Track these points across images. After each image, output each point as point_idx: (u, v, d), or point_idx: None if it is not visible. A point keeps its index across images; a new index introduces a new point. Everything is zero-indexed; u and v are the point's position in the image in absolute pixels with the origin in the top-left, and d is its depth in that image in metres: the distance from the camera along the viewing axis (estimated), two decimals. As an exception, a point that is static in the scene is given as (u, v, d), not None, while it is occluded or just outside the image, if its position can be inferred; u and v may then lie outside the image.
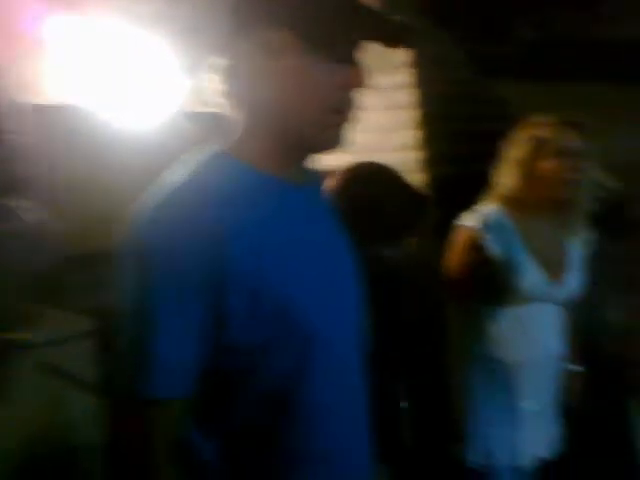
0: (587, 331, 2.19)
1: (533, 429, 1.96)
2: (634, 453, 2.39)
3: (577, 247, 2.03)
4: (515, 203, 1.94)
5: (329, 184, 1.49)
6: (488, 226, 1.91)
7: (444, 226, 2.00)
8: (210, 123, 1.05)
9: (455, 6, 3.15)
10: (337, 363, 1.04)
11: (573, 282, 1.99)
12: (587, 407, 2.11)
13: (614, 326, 2.43)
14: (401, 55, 2.86)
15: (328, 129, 0.99)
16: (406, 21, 1.00)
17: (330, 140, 1.01)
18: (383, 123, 2.94)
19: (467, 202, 2.01)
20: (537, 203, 1.94)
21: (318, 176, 1.17)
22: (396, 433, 1.90)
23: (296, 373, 0.98)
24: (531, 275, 1.91)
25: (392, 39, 1.01)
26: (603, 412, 2.35)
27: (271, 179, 1.01)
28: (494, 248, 1.89)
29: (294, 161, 1.05)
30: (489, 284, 1.92)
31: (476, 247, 1.91)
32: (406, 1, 2.67)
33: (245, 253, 0.92)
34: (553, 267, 1.96)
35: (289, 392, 0.98)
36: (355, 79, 0.98)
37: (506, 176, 1.95)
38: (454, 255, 1.96)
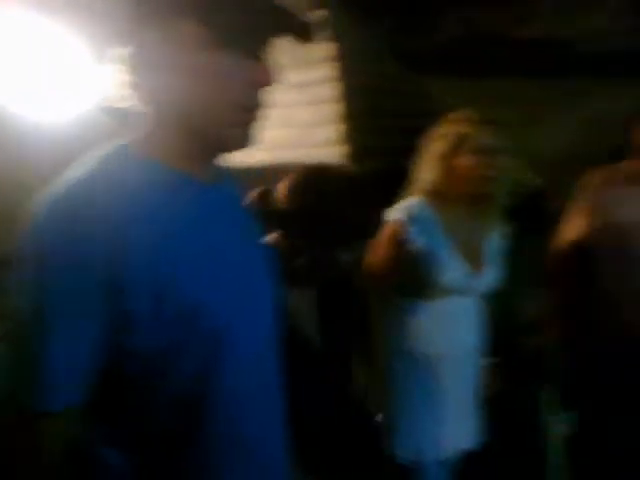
0: (504, 323, 2.24)
1: (455, 422, 1.99)
2: (543, 441, 2.47)
3: (495, 240, 2.08)
4: (436, 197, 1.96)
5: (281, 189, 1.48)
6: (412, 219, 1.92)
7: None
8: (127, 117, 1.00)
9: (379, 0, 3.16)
10: (249, 365, 1.03)
11: (492, 275, 2.04)
12: (503, 398, 2.16)
13: (530, 317, 2.50)
14: (323, 49, 2.85)
15: (237, 127, 0.97)
16: (316, 17, 0.99)
17: (239, 138, 0.98)
18: (306, 118, 2.93)
19: (391, 196, 2.01)
20: (457, 197, 1.97)
21: (230, 174, 1.15)
22: (372, 441, 1.91)
23: (205, 377, 0.96)
24: (453, 268, 1.94)
25: (300, 35, 0.99)
26: (518, 402, 2.42)
27: (178, 176, 0.97)
28: (418, 241, 1.91)
29: (204, 159, 1.02)
30: (412, 277, 1.94)
31: (400, 240, 1.92)
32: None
33: (149, 254, 0.88)
34: (473, 260, 2.00)
35: (199, 396, 0.96)
36: (264, 76, 0.96)
37: (426, 171, 1.98)
38: (378, 249, 1.97)
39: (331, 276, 1.57)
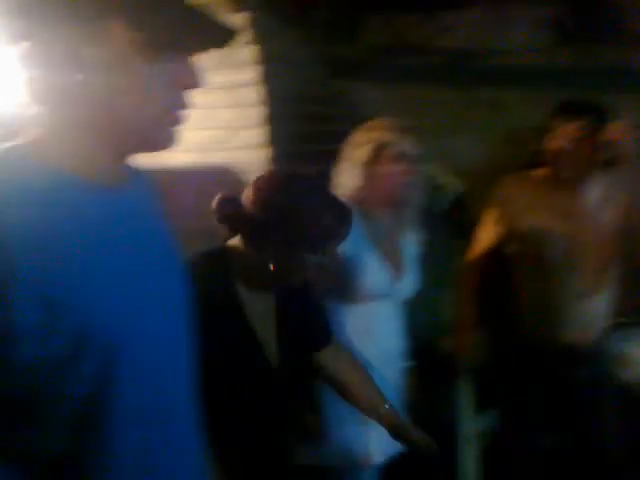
0: (423, 326, 2.27)
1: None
2: (460, 442, 2.53)
3: (413, 245, 2.11)
4: (357, 202, 1.97)
5: (248, 193, 1.46)
6: None
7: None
8: (34, 117, 0.94)
9: (304, 4, 3.17)
10: (151, 379, 0.98)
11: (412, 279, 2.07)
12: (422, 400, 2.19)
13: (449, 320, 2.54)
14: (247, 52, 2.83)
15: (160, 128, 0.94)
16: (239, 19, 0.97)
17: (162, 139, 0.95)
18: (229, 121, 2.90)
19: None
20: (377, 203, 2.00)
21: (145, 177, 1.10)
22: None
23: (99, 392, 0.90)
24: (377, 272, 1.96)
25: (222, 41, 0.97)
26: (436, 405, 2.46)
27: (75, 180, 0.91)
28: (344, 245, 1.91)
29: (113, 161, 0.97)
30: (336, 281, 1.94)
31: None
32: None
33: (34, 262, 0.82)
34: (395, 264, 2.03)
35: (92, 413, 0.91)
36: (189, 78, 0.94)
37: (348, 177, 1.99)
38: None
39: (298, 280, 1.57)
